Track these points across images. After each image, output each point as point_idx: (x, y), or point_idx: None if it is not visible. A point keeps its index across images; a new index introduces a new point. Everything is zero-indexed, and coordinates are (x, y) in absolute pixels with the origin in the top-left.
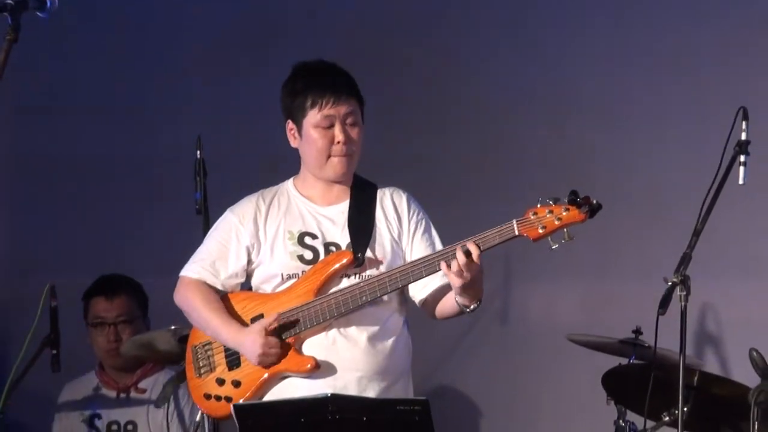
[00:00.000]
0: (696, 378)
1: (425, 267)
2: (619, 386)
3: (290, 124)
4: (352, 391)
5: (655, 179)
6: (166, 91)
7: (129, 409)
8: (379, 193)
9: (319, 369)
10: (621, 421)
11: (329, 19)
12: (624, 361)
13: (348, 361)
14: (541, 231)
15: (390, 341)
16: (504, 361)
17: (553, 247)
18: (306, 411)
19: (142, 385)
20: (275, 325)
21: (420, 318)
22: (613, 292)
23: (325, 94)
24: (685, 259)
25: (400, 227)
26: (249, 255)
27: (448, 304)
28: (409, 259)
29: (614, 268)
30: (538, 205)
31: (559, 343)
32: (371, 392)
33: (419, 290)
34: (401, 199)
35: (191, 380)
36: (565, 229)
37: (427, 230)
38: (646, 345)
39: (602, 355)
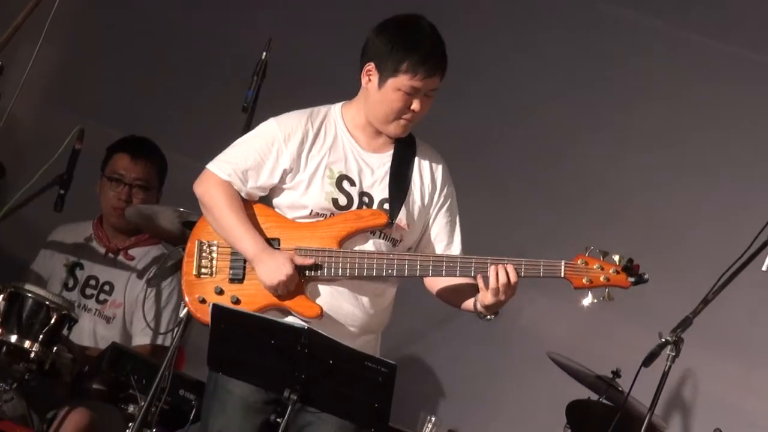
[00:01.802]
0: None
1: (461, 269)
2: (580, 418)
3: (371, 66)
4: (340, 338)
5: (682, 235)
6: None
7: (112, 270)
8: (419, 150)
9: (322, 318)
10: None
11: None
12: (594, 396)
13: (347, 316)
14: (585, 282)
15: (385, 304)
16: (478, 353)
17: (593, 301)
18: (279, 334)
19: (132, 251)
20: (307, 263)
21: (407, 291)
22: (607, 326)
23: (424, 66)
24: (686, 322)
25: (432, 195)
26: (284, 176)
27: (462, 300)
28: (429, 228)
29: (615, 304)
30: (587, 254)
31: (537, 356)
32: (352, 342)
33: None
34: (438, 165)
35: (187, 275)
36: (607, 289)
37: (451, 208)
38: (620, 389)
39: (575, 383)
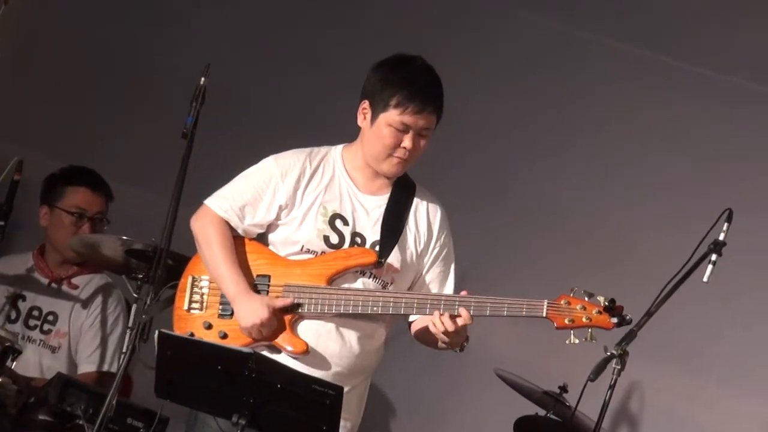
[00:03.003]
0: None
1: (445, 306)
2: None
3: (366, 105)
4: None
5: (624, 250)
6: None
7: (56, 300)
8: (418, 196)
9: (308, 355)
10: None
11: None
12: (542, 412)
13: (334, 356)
14: (567, 322)
15: (374, 348)
16: (425, 372)
17: (574, 341)
18: (226, 359)
19: (75, 280)
20: (287, 303)
21: None
22: (554, 342)
23: (413, 102)
24: (630, 335)
25: (428, 244)
26: (279, 212)
27: (432, 339)
28: (422, 276)
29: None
30: (572, 295)
31: (485, 373)
32: (343, 387)
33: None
34: (436, 214)
35: (178, 309)
36: (590, 330)
37: (447, 257)
38: (567, 404)
39: (523, 399)
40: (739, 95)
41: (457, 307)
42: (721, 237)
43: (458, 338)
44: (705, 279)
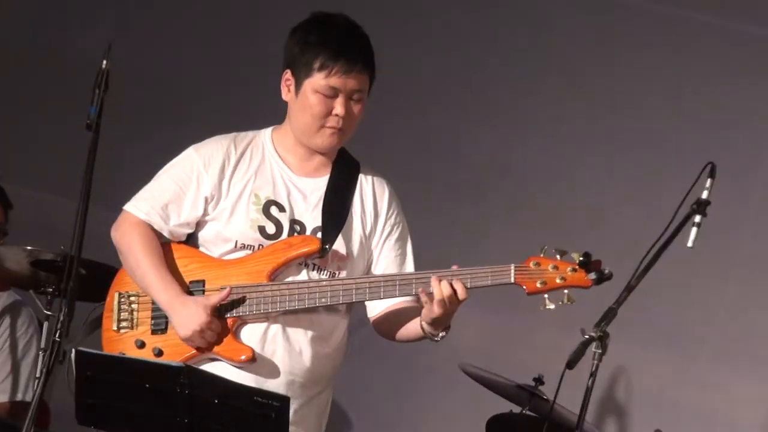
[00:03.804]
0: None
1: (400, 287)
2: None
3: (288, 75)
4: (280, 392)
5: (594, 223)
6: None
7: None
8: (362, 175)
9: (254, 362)
10: None
11: None
12: (516, 409)
13: (284, 363)
14: (539, 286)
15: (330, 350)
16: (381, 373)
17: (549, 307)
18: (154, 376)
19: None
20: (223, 296)
21: None
22: (524, 330)
23: (338, 61)
24: (609, 314)
25: (375, 224)
26: (206, 206)
27: (412, 328)
28: (375, 262)
29: (530, 305)
30: (542, 255)
31: (449, 370)
32: (298, 398)
33: (377, 304)
34: (383, 192)
35: (107, 331)
36: (566, 291)
37: (401, 238)
38: (545, 398)
39: (494, 396)
40: (705, 34)
41: (413, 283)
42: (704, 195)
43: (447, 318)
44: (690, 244)
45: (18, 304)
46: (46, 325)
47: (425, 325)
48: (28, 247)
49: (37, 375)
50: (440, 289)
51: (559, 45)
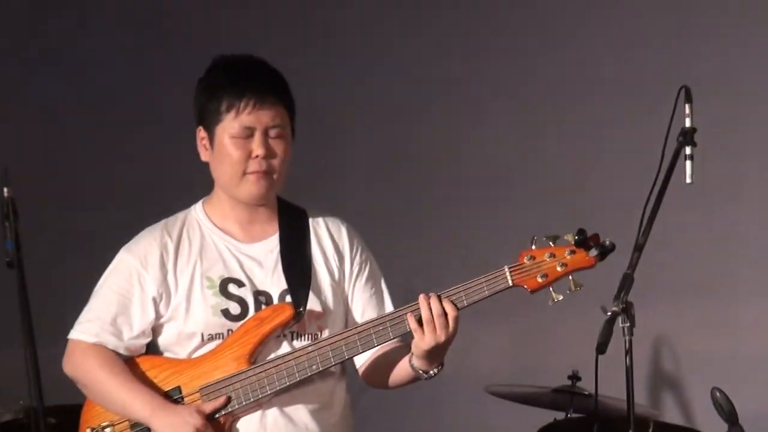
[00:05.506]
0: (650, 431)
1: (392, 327)
2: None
3: (201, 132)
4: None
5: (581, 185)
6: None
7: None
8: (311, 220)
9: None
10: None
11: None
12: (560, 414)
13: None
14: (541, 280)
15: (335, 417)
16: (404, 411)
17: (557, 300)
18: None
19: None
20: (219, 404)
21: None
22: (541, 329)
23: (245, 96)
24: (626, 282)
25: (341, 268)
26: (157, 308)
27: (402, 369)
28: (351, 306)
29: (538, 303)
30: (534, 247)
31: (476, 397)
32: None
33: (364, 354)
34: (340, 231)
35: None
36: (570, 277)
37: (372, 274)
38: (586, 393)
39: (532, 409)
40: None
41: (406, 319)
42: (687, 123)
43: (441, 350)
44: (688, 179)
45: None
46: None
47: (416, 361)
48: None
49: None
50: (428, 307)
51: None
